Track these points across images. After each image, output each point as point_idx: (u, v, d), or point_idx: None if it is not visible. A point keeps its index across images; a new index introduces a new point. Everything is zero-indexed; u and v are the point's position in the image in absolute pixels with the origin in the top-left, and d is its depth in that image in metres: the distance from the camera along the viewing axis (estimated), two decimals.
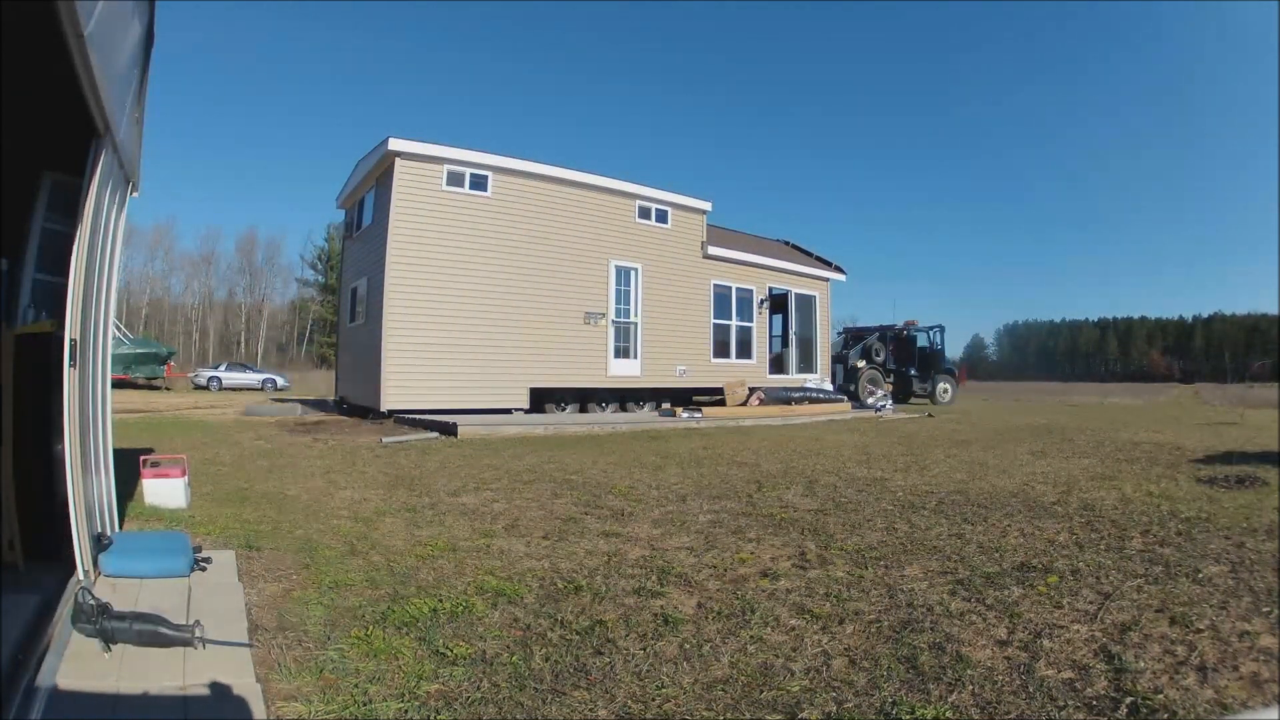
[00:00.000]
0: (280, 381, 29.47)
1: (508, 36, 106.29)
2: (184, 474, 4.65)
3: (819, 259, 18.60)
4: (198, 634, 2.28)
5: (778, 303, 17.14)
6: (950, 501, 4.90)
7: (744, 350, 16.06)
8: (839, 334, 21.59)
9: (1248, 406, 17.15)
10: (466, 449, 8.15)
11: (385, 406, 11.32)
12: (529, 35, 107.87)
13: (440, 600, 2.96)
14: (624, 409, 13.94)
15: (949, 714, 1.99)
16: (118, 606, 2.36)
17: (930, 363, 20.65)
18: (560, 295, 13.01)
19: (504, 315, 12.36)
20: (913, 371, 20.38)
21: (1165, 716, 1.93)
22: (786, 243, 19.60)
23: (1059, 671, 2.22)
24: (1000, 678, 2.19)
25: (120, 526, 3.63)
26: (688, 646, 2.52)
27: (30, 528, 2.79)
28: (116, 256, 3.52)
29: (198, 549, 3.36)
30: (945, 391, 20.41)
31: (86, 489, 2.84)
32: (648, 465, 6.88)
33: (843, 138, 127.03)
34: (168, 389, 25.59)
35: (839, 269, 18.57)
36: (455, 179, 12.08)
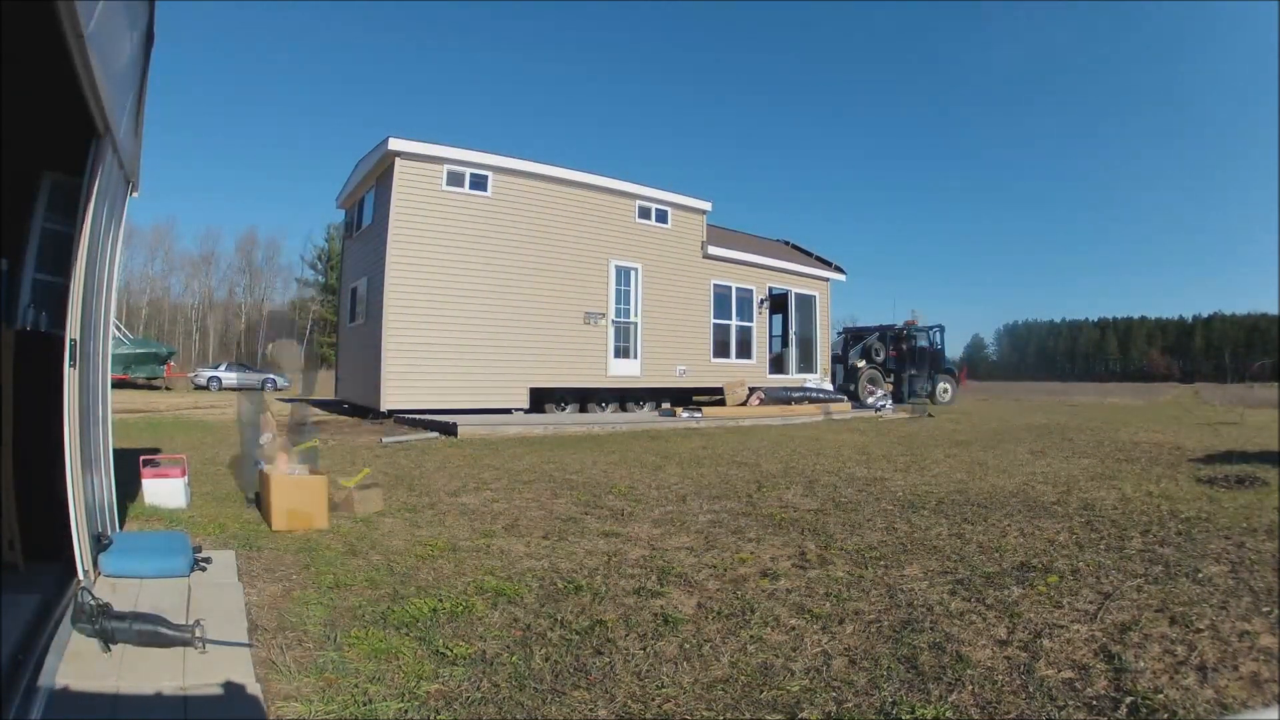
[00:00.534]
0: (280, 381, 29.46)
1: (508, 36, 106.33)
2: (184, 474, 4.66)
3: (819, 259, 18.60)
4: (198, 634, 2.28)
5: (778, 303, 17.14)
6: (950, 501, 4.90)
7: (744, 350, 16.06)
8: (839, 334, 21.58)
9: (1248, 406, 17.16)
10: (466, 449, 8.15)
11: (385, 406, 11.32)
12: (529, 35, 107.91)
13: (440, 600, 2.96)
14: (624, 409, 13.94)
15: (949, 714, 1.99)
16: (118, 606, 2.36)
17: (930, 362, 20.64)
18: (560, 295, 13.01)
19: (504, 315, 12.36)
20: (913, 371, 20.37)
21: (1165, 716, 1.93)
22: (786, 243, 19.61)
23: (1059, 671, 2.22)
24: (1000, 677, 2.19)
25: (120, 526, 3.64)
26: (688, 646, 2.52)
27: (30, 528, 2.79)
28: (116, 256, 3.53)
29: (198, 549, 3.36)
30: (945, 391, 20.40)
31: (86, 489, 2.84)
32: (648, 465, 6.89)
33: (843, 138, 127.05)
34: (168, 389, 25.60)
35: (839, 269, 18.58)
36: (455, 179, 12.08)
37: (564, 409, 13.31)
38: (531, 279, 12.66)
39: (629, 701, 2.13)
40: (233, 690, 2.09)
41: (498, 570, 3.42)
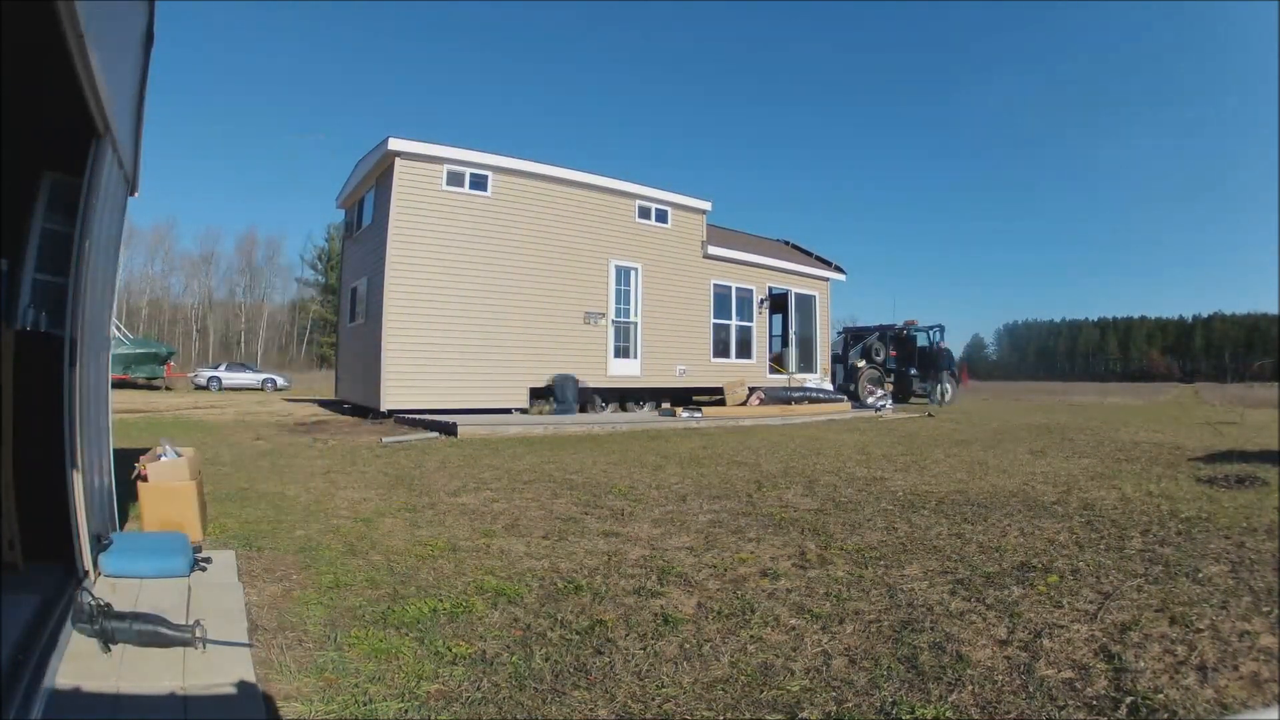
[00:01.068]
0: (280, 381, 29.47)
1: (508, 36, 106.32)
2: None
3: (819, 259, 18.60)
4: (198, 634, 2.28)
5: (778, 302, 17.15)
6: (950, 501, 4.90)
7: (744, 350, 16.06)
8: (839, 334, 21.58)
9: (1248, 406, 17.15)
10: (466, 449, 8.15)
11: (385, 406, 11.32)
12: (529, 35, 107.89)
13: (440, 600, 2.96)
14: (624, 409, 13.94)
15: (949, 714, 1.99)
16: (118, 606, 2.36)
17: (930, 362, 20.64)
18: (560, 295, 13.01)
19: (504, 315, 12.36)
20: (913, 371, 20.37)
21: (1165, 716, 1.93)
22: (786, 243, 19.61)
23: (1059, 671, 2.22)
24: (1000, 677, 2.19)
25: (120, 527, 3.63)
26: (688, 646, 2.52)
27: (30, 528, 2.79)
28: (116, 257, 3.52)
29: (198, 549, 3.36)
30: (945, 391, 20.40)
31: (86, 489, 2.84)
32: (648, 465, 6.89)
33: (843, 138, 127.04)
34: (168, 389, 25.60)
35: (839, 269, 18.58)
36: (455, 179, 12.09)
37: None
38: (531, 279, 12.66)
39: (629, 701, 2.13)
40: (233, 690, 2.09)
41: (498, 570, 3.42)
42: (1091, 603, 2.79)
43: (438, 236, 11.83)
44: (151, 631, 2.26)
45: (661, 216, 14.61)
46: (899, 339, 20.71)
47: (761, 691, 2.17)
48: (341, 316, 15.56)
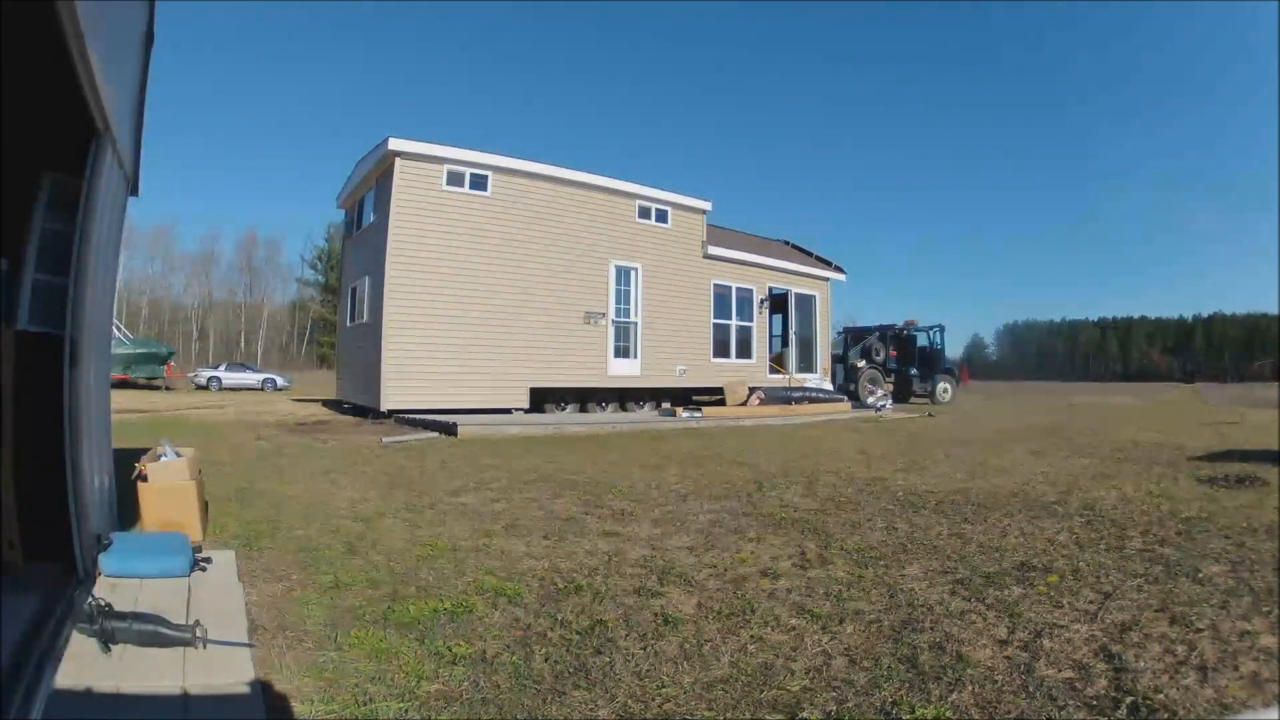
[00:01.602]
0: (280, 381, 29.46)
1: (508, 36, 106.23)
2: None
3: (819, 259, 18.60)
4: (198, 634, 2.28)
5: (778, 303, 17.14)
6: (950, 501, 4.90)
7: (744, 350, 16.06)
8: (839, 334, 21.58)
9: (1248, 406, 17.15)
10: (466, 449, 8.15)
11: (385, 406, 11.32)
12: (529, 35, 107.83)
13: (440, 600, 2.96)
14: (624, 409, 13.94)
15: (949, 714, 1.99)
16: (118, 606, 2.36)
17: (930, 362, 20.65)
18: (560, 295, 13.01)
19: (504, 315, 12.36)
20: (913, 371, 20.37)
21: (1165, 716, 1.93)
22: (786, 243, 19.61)
23: (1059, 671, 2.22)
24: (1000, 677, 2.19)
25: (120, 527, 3.63)
26: (688, 646, 2.52)
27: (30, 528, 2.79)
28: (116, 257, 3.52)
29: (198, 549, 3.36)
30: (945, 391, 20.40)
31: (86, 489, 2.84)
32: (648, 465, 6.89)
33: (843, 137, 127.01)
34: (168, 389, 25.59)
35: (839, 269, 18.58)
36: (455, 179, 12.09)
37: (564, 409, 13.32)
38: (532, 279, 12.66)
39: (629, 701, 2.13)
40: (233, 690, 2.09)
41: (498, 570, 3.42)
42: (1091, 603, 2.79)
43: (438, 236, 11.83)
44: (152, 631, 2.26)
45: (661, 216, 14.61)
46: (899, 339, 20.71)
47: (762, 691, 2.17)
48: (341, 316, 15.56)
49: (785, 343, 17.36)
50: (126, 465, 4.09)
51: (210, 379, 28.34)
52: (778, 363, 17.13)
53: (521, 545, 3.90)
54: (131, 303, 52.25)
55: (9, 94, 2.65)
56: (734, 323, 15.82)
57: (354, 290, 13.92)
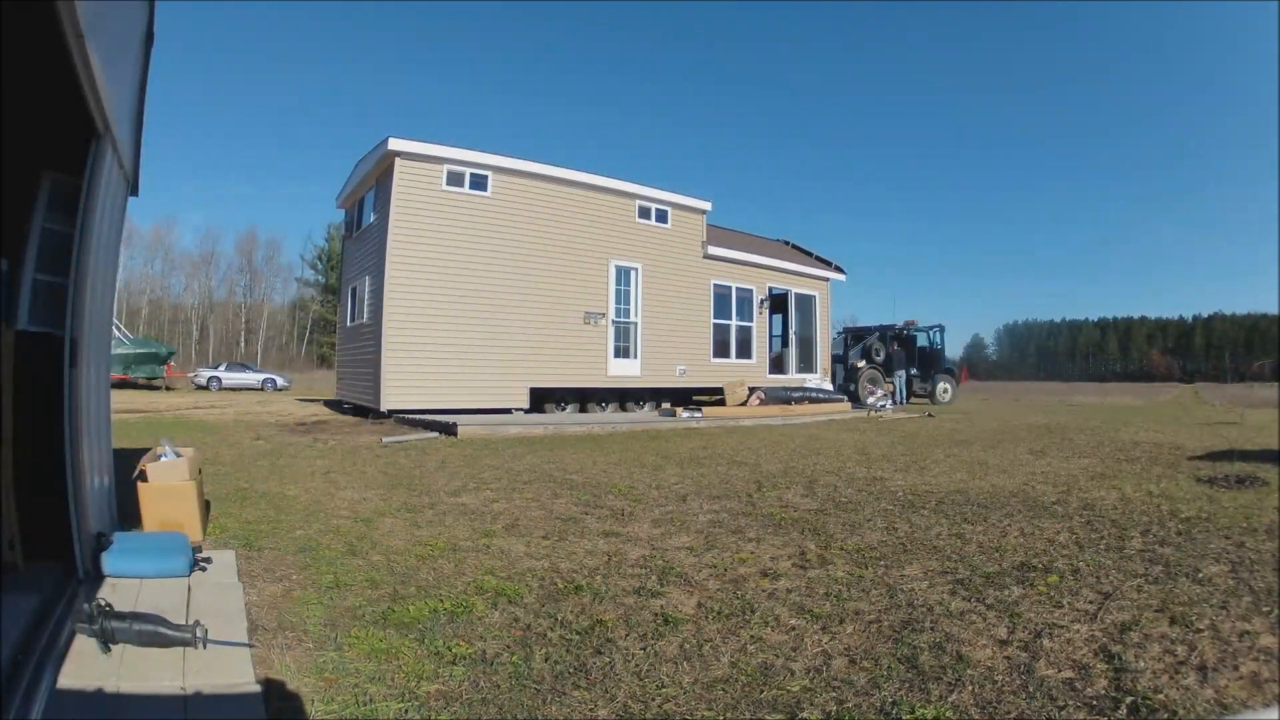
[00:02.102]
0: (280, 381, 29.46)
1: (508, 36, 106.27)
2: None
3: (819, 259, 18.60)
4: (198, 634, 2.28)
5: (778, 303, 17.14)
6: (950, 501, 4.90)
7: (744, 350, 16.06)
8: (839, 334, 21.57)
9: (1248, 406, 17.15)
10: (466, 449, 8.15)
11: (385, 406, 11.32)
12: (529, 35, 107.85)
13: (440, 600, 2.96)
14: (624, 409, 13.94)
15: (949, 714, 1.99)
16: (118, 606, 2.36)
17: (930, 362, 20.65)
18: (560, 295, 13.01)
19: (504, 315, 12.36)
20: (913, 371, 20.37)
21: (1165, 716, 1.93)
22: (786, 243, 19.60)
23: (1059, 671, 2.22)
24: (1000, 677, 2.19)
25: (121, 527, 3.63)
26: (688, 646, 2.52)
27: (30, 528, 2.79)
28: (116, 257, 3.52)
29: (198, 549, 3.36)
30: (945, 391, 20.40)
31: (86, 489, 2.84)
32: (648, 465, 6.89)
33: (843, 138, 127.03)
34: (168, 389, 25.59)
35: (839, 269, 18.57)
36: (455, 179, 12.08)
37: (564, 409, 13.31)
38: (531, 279, 12.66)
39: (629, 701, 2.13)
40: (233, 690, 2.09)
41: (498, 570, 3.42)
42: (1091, 603, 2.79)
43: (438, 236, 11.83)
44: (152, 631, 2.26)
45: (661, 216, 14.61)
46: (899, 339, 20.71)
47: (762, 691, 2.17)
48: (341, 316, 15.56)
49: (785, 343, 17.35)
50: (126, 465, 4.09)
51: (210, 379, 28.33)
52: (777, 363, 17.13)
53: (521, 545, 3.90)
54: (131, 303, 52.21)
55: (9, 94, 2.65)
56: (734, 323, 15.82)
57: (354, 290, 13.92)
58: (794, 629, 2.65)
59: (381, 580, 3.24)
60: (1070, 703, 2.02)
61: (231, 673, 2.19)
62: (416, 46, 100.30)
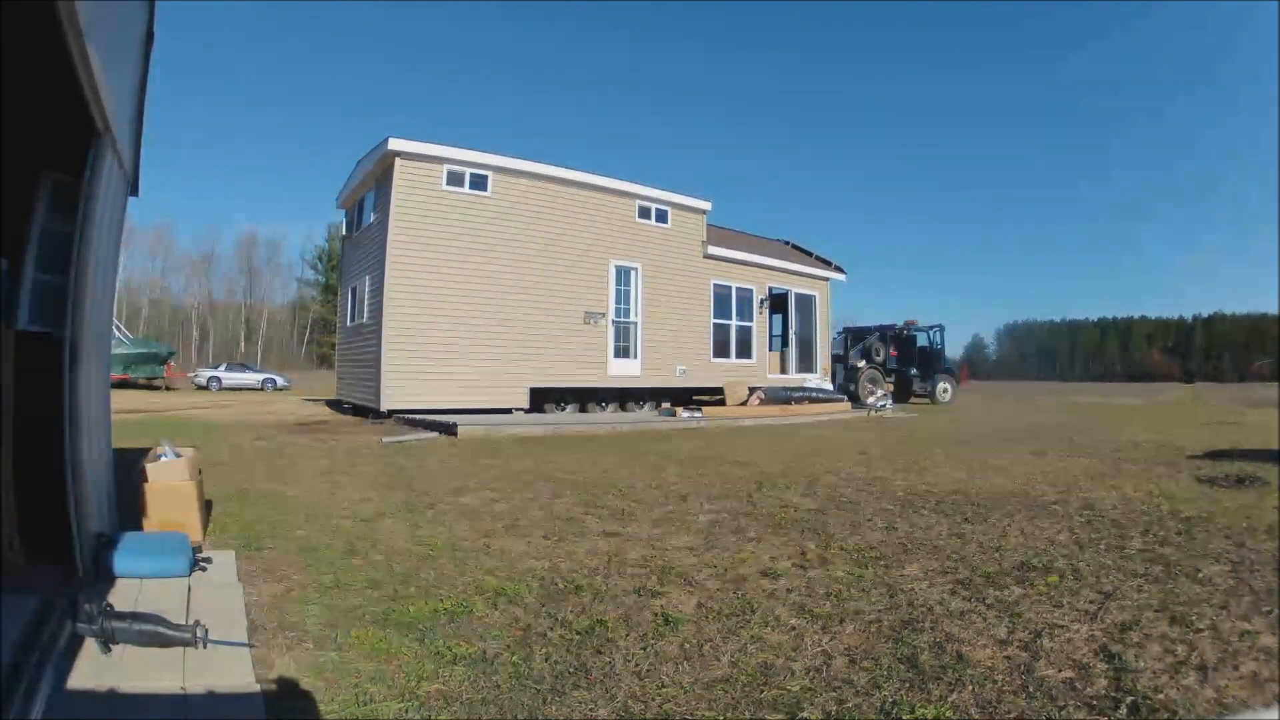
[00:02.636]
0: (280, 381, 29.46)
1: (508, 36, 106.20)
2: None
3: (819, 259, 18.60)
4: (199, 634, 2.28)
5: (778, 302, 17.14)
6: (950, 501, 4.90)
7: (744, 350, 16.06)
8: (839, 334, 21.57)
9: (1248, 406, 17.15)
10: (466, 449, 8.15)
11: (385, 406, 11.32)
12: (529, 35, 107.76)
13: (441, 600, 2.96)
14: (624, 409, 13.94)
15: (949, 713, 1.99)
16: (118, 606, 2.36)
17: (930, 362, 20.65)
18: (560, 295, 13.00)
19: (504, 315, 12.36)
20: (913, 371, 20.37)
21: (1165, 716, 1.93)
22: (786, 242, 19.60)
23: (1059, 671, 2.22)
24: (1000, 677, 2.19)
25: (121, 527, 3.63)
26: (688, 646, 2.52)
27: (31, 528, 2.79)
28: (116, 257, 3.53)
29: (198, 549, 3.36)
30: (945, 391, 20.40)
31: (86, 489, 2.84)
32: (648, 465, 6.89)
33: (843, 138, 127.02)
34: (168, 389, 25.59)
35: (839, 269, 18.57)
36: (455, 179, 12.08)
37: (564, 409, 13.31)
38: (532, 279, 12.66)
39: (629, 701, 2.13)
40: (232, 690, 2.09)
41: (498, 570, 3.42)
42: (1092, 602, 2.79)
43: (438, 236, 11.83)
44: (152, 631, 2.26)
45: (661, 216, 14.61)
46: (899, 339, 20.70)
47: (762, 691, 2.17)
48: (341, 316, 15.56)
49: (785, 343, 17.35)
50: (126, 465, 4.09)
51: (210, 379, 28.32)
52: (777, 363, 17.13)
53: (522, 545, 3.90)
54: (131, 303, 52.20)
55: (9, 94, 2.65)
56: (734, 323, 15.82)
57: (354, 290, 13.92)
58: (794, 629, 2.65)
59: (382, 580, 3.24)
60: (1070, 703, 2.02)
61: (231, 673, 2.19)
62: (416, 46, 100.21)
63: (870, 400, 15.75)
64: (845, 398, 16.05)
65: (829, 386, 17.32)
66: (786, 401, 13.81)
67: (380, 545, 3.86)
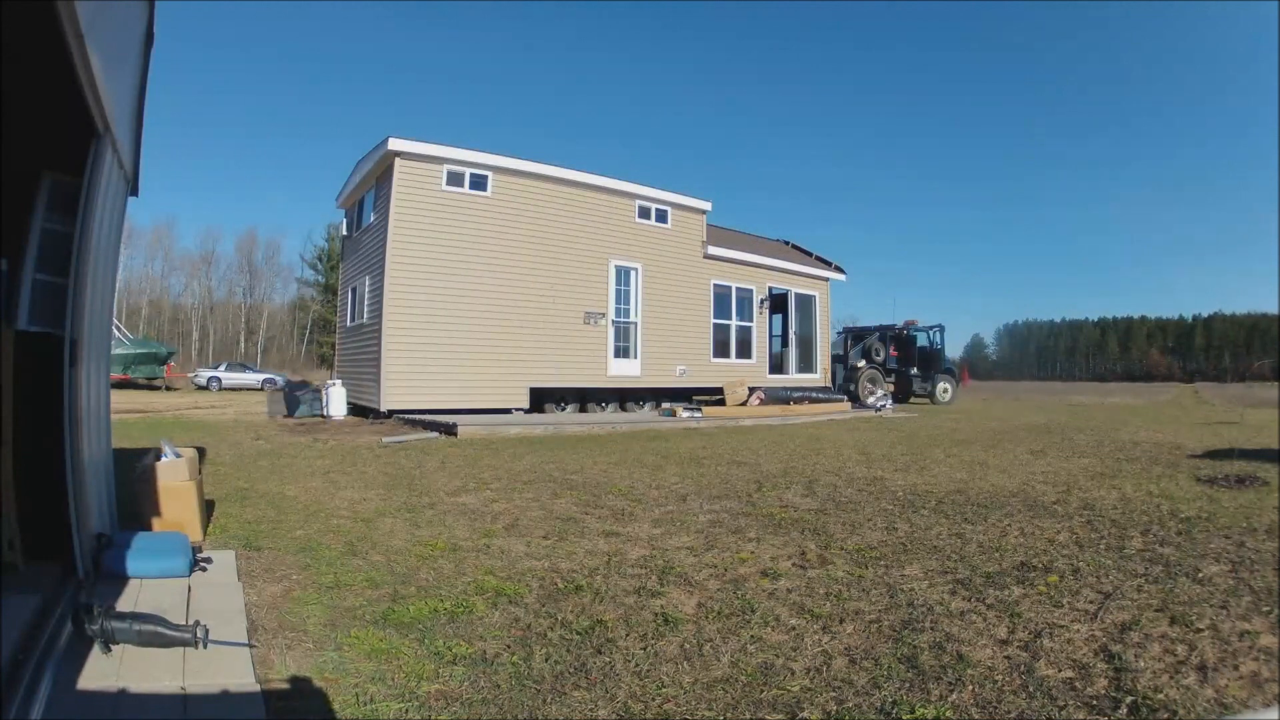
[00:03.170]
0: (280, 381, 29.44)
1: (508, 36, 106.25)
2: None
3: (819, 259, 18.59)
4: (199, 634, 2.28)
5: (778, 303, 17.14)
6: (950, 501, 4.90)
7: (744, 350, 16.05)
8: (839, 334, 21.58)
9: (1248, 406, 17.15)
10: (466, 449, 8.15)
11: (385, 406, 11.32)
12: (529, 35, 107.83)
13: (441, 600, 2.96)
14: (624, 409, 13.93)
15: (949, 713, 1.99)
16: (118, 606, 2.36)
17: (930, 362, 20.65)
18: (560, 295, 13.00)
19: (504, 315, 12.36)
20: (913, 371, 20.37)
21: (1165, 716, 1.93)
22: (786, 243, 19.60)
23: (1059, 671, 2.22)
24: (1000, 677, 2.19)
25: (120, 527, 3.63)
26: (688, 646, 2.52)
27: (30, 528, 2.79)
28: (117, 257, 3.52)
29: (198, 549, 3.36)
30: (945, 391, 20.40)
31: (86, 489, 2.84)
32: (648, 465, 6.88)
33: (843, 137, 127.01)
34: (168, 389, 25.59)
35: (839, 269, 18.57)
36: (455, 179, 12.08)
37: (564, 409, 13.31)
38: (532, 279, 12.65)
39: (629, 701, 2.13)
40: (233, 690, 2.09)
41: (498, 570, 3.42)
42: (1092, 602, 2.79)
43: (438, 236, 11.82)
44: (152, 631, 2.26)
45: (661, 216, 14.61)
46: (899, 339, 20.70)
47: (762, 691, 2.17)
48: (341, 316, 15.56)
49: (785, 343, 17.35)
50: (126, 465, 4.09)
51: (210, 379, 28.32)
52: (777, 363, 17.13)
53: (522, 545, 3.90)
54: (131, 303, 52.18)
55: (9, 94, 2.65)
56: (734, 323, 15.82)
57: (354, 290, 13.91)
58: (794, 629, 2.65)
59: (381, 580, 3.24)
60: (1070, 702, 2.02)
61: (231, 673, 2.19)
62: (416, 46, 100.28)
63: (870, 400, 15.75)
64: (845, 398, 16.05)
65: (829, 386, 17.32)
66: (786, 401, 13.81)
67: (380, 545, 3.86)
